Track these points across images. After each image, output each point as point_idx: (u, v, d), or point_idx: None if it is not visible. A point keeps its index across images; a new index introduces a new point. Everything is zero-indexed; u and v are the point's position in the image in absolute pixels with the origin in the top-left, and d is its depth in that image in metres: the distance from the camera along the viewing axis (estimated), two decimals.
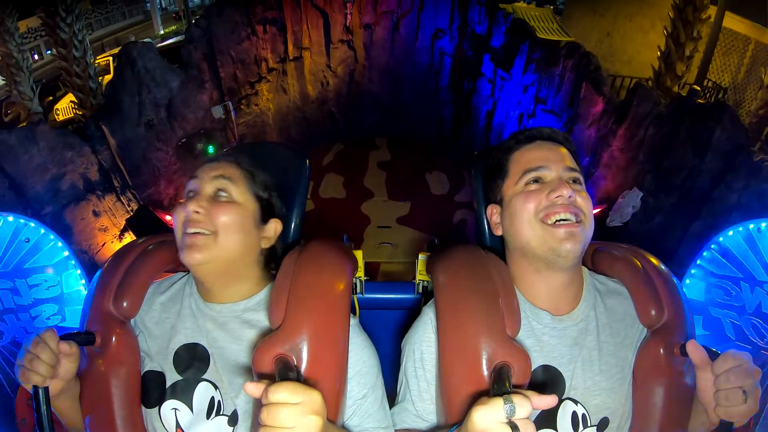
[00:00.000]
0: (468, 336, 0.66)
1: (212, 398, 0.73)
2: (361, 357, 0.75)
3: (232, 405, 0.72)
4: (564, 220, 0.71)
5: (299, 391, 0.52)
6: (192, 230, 0.72)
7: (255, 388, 0.53)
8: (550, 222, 0.72)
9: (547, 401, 0.52)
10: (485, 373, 0.64)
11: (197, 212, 0.73)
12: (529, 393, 0.52)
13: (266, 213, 0.81)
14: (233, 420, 0.72)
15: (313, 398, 0.53)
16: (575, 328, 0.75)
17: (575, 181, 0.75)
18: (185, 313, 0.78)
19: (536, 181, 0.75)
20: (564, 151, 0.78)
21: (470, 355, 0.65)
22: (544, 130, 0.81)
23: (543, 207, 0.73)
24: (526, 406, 0.50)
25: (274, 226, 0.82)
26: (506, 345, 0.65)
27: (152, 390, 0.75)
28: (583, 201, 0.73)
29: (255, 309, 0.78)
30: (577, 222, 0.71)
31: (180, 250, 0.73)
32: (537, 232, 0.73)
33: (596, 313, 0.77)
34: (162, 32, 12.64)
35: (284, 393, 0.52)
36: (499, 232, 0.81)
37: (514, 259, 0.79)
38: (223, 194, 0.76)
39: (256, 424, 0.53)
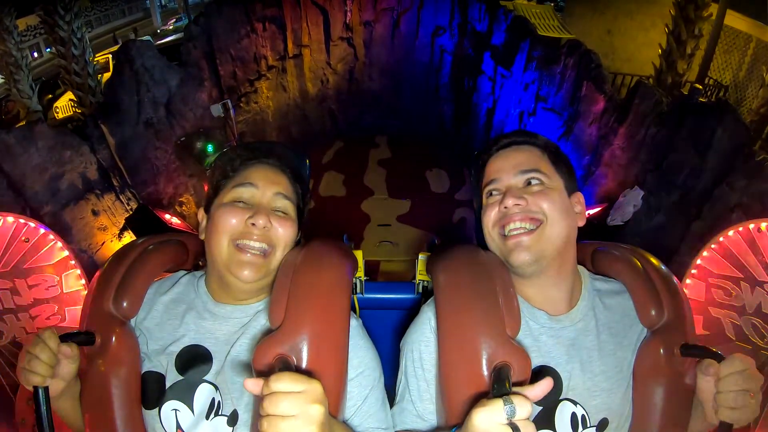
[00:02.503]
0: (468, 336, 0.66)
1: (213, 399, 0.73)
2: (364, 359, 0.75)
3: (232, 405, 0.72)
4: (516, 229, 0.72)
5: (300, 379, 0.52)
6: (252, 244, 0.73)
7: (254, 384, 0.53)
8: (506, 232, 0.74)
9: (542, 387, 0.52)
10: (485, 373, 0.64)
11: (265, 227, 0.74)
12: (526, 388, 0.52)
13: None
14: (233, 420, 0.72)
15: (314, 387, 0.53)
16: (573, 328, 0.75)
17: (531, 182, 0.75)
18: (190, 314, 0.78)
19: (493, 193, 0.78)
20: (522, 154, 0.78)
21: (470, 356, 0.65)
22: (505, 137, 0.82)
23: (498, 218, 0.75)
24: (526, 406, 0.49)
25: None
26: (506, 345, 0.65)
27: (151, 391, 0.75)
28: (541, 200, 0.72)
29: (265, 310, 0.78)
30: (530, 229, 0.72)
31: (230, 261, 0.73)
32: (497, 244, 0.76)
33: (595, 313, 0.77)
34: (166, 28, 12.50)
35: (286, 382, 0.52)
36: None
37: None
38: (281, 210, 0.78)
39: (258, 422, 0.52)
